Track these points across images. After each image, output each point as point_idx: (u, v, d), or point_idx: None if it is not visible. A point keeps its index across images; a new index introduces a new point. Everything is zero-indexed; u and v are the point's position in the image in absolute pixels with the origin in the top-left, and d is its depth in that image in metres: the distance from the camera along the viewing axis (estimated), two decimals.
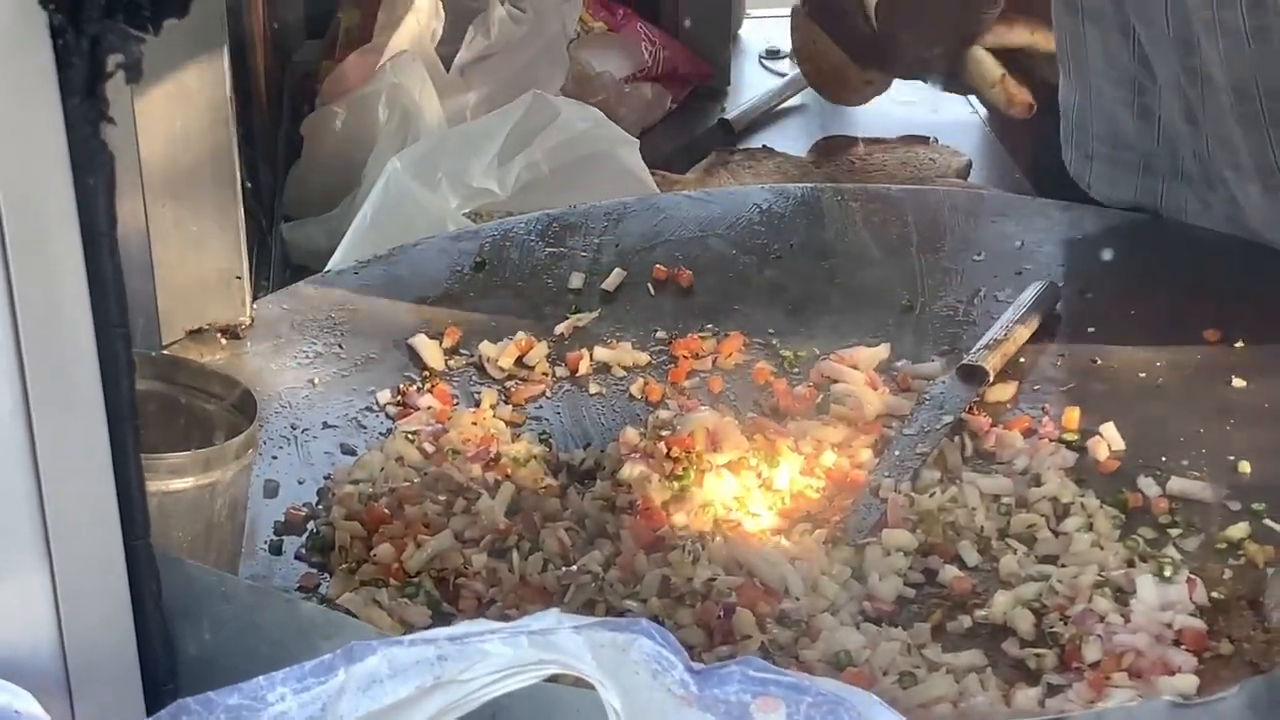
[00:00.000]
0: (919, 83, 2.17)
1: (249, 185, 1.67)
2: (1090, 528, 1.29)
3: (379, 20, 2.11)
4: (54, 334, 0.74)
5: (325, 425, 1.42)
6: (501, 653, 0.70)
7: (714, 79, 2.43)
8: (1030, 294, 1.54)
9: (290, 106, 2.17)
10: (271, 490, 1.34)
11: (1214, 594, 1.22)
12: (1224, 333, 1.50)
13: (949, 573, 1.25)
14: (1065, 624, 1.19)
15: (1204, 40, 1.53)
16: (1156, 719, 0.85)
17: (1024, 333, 1.50)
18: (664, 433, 1.37)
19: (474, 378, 1.49)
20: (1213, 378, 1.46)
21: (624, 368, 1.49)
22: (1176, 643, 1.18)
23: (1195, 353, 1.50)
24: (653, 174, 1.95)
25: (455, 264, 1.63)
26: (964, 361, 1.46)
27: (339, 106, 2.04)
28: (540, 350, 1.50)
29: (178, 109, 1.40)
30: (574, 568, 1.24)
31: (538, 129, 1.91)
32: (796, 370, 1.49)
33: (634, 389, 1.47)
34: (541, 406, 1.45)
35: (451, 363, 1.50)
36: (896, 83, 2.20)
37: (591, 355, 1.50)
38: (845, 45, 2.04)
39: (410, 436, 1.39)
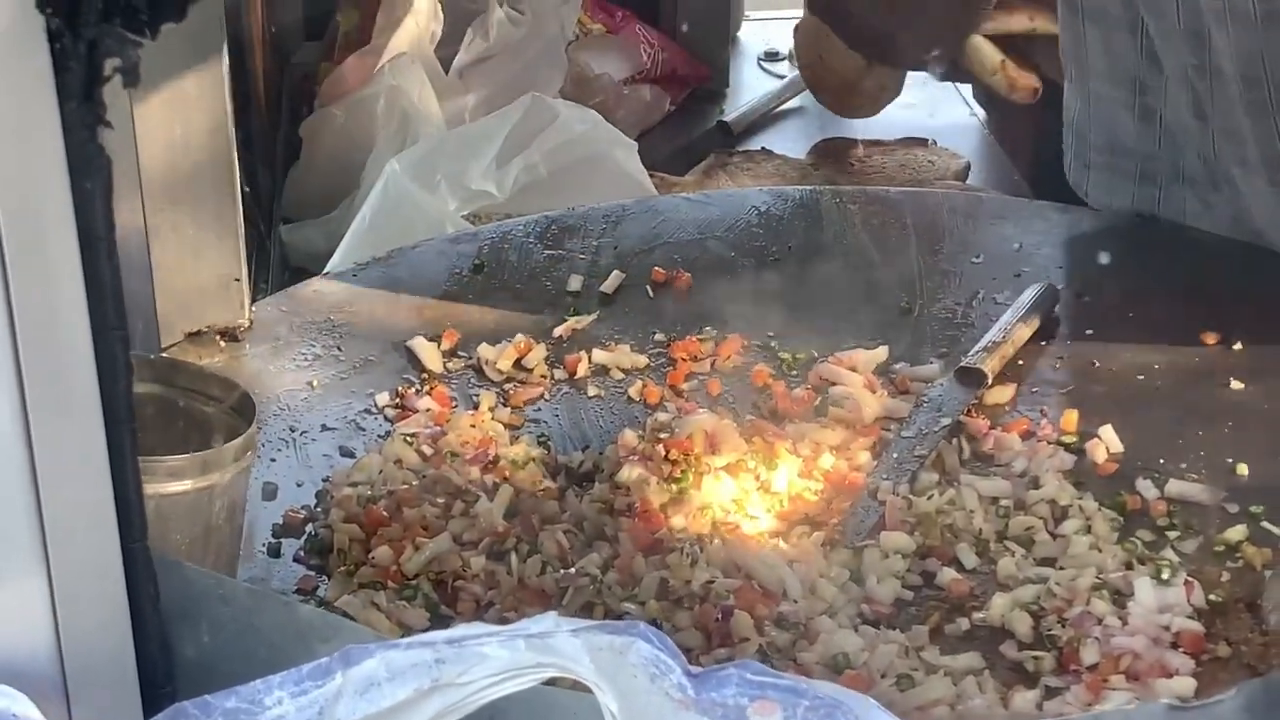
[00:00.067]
0: (923, 74, 2.18)
1: (248, 188, 1.67)
2: (1088, 530, 1.29)
3: (378, 22, 2.11)
4: (52, 337, 0.74)
5: (324, 428, 1.42)
6: (499, 656, 0.70)
7: (713, 81, 2.44)
8: (1029, 296, 1.54)
9: (289, 108, 2.17)
10: (270, 493, 1.34)
11: (1212, 596, 1.22)
12: (1222, 335, 1.50)
13: (947, 575, 1.25)
14: (1063, 626, 1.20)
15: (1214, 30, 1.54)
16: None
17: (1022, 335, 1.50)
18: (662, 435, 1.37)
19: (472, 380, 1.49)
20: (1211, 380, 1.46)
21: (622, 370, 1.49)
22: (1174, 645, 1.18)
23: (1193, 355, 1.50)
24: (651, 176, 1.95)
25: (454, 266, 1.63)
26: (962, 364, 1.46)
27: (338, 108, 2.04)
28: (539, 353, 1.50)
29: (177, 112, 1.40)
30: (572, 570, 1.24)
31: (536, 131, 1.91)
32: (795, 373, 1.49)
33: (632, 391, 1.47)
34: (540, 409, 1.45)
35: (450, 365, 1.50)
36: None
37: (590, 357, 1.50)
38: (850, 38, 2.04)
39: (409, 439, 1.39)
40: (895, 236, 1.68)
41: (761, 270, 1.63)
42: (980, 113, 2.34)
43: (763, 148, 2.21)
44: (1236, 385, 1.45)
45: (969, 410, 1.42)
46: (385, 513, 1.30)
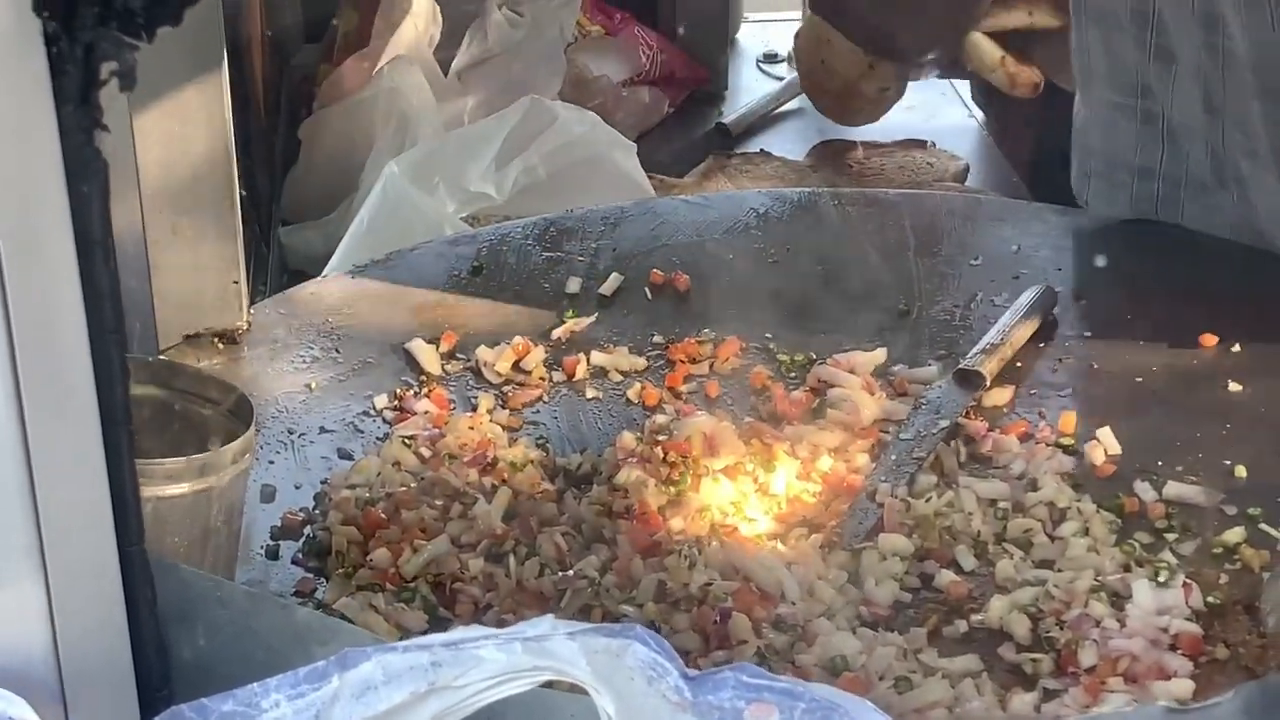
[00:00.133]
0: (922, 76, 2.18)
1: (246, 190, 1.67)
2: (1086, 532, 1.29)
3: (376, 24, 2.11)
4: (48, 340, 0.74)
5: (322, 430, 1.42)
6: (496, 659, 0.70)
7: (711, 83, 2.44)
8: (1027, 298, 1.54)
9: (288, 110, 2.18)
10: (268, 495, 1.34)
11: (1210, 598, 1.22)
12: (1220, 337, 1.50)
13: (945, 577, 1.25)
14: (1061, 629, 1.20)
15: (1229, 14, 1.54)
16: None
17: (1021, 337, 1.50)
18: (661, 437, 1.38)
19: (471, 382, 1.49)
20: (1209, 382, 1.46)
21: (621, 372, 1.50)
22: (1172, 647, 1.18)
23: (1192, 357, 1.50)
24: (650, 178, 1.96)
25: (452, 268, 1.63)
26: (961, 366, 1.46)
27: (336, 111, 2.04)
28: (537, 355, 1.50)
29: (176, 114, 1.40)
30: (570, 573, 1.24)
31: (535, 133, 1.91)
32: (793, 375, 1.49)
33: (631, 393, 1.47)
34: (538, 411, 1.45)
35: (448, 367, 1.50)
36: None
37: (588, 360, 1.50)
38: (854, 33, 2.04)
39: (407, 441, 1.39)
40: (894, 238, 1.68)
41: (760, 272, 1.63)
42: (979, 114, 2.34)
43: (761, 150, 2.21)
44: (1235, 387, 1.45)
45: (967, 412, 1.42)
46: (383, 515, 1.30)
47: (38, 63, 0.70)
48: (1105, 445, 1.38)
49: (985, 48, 2.00)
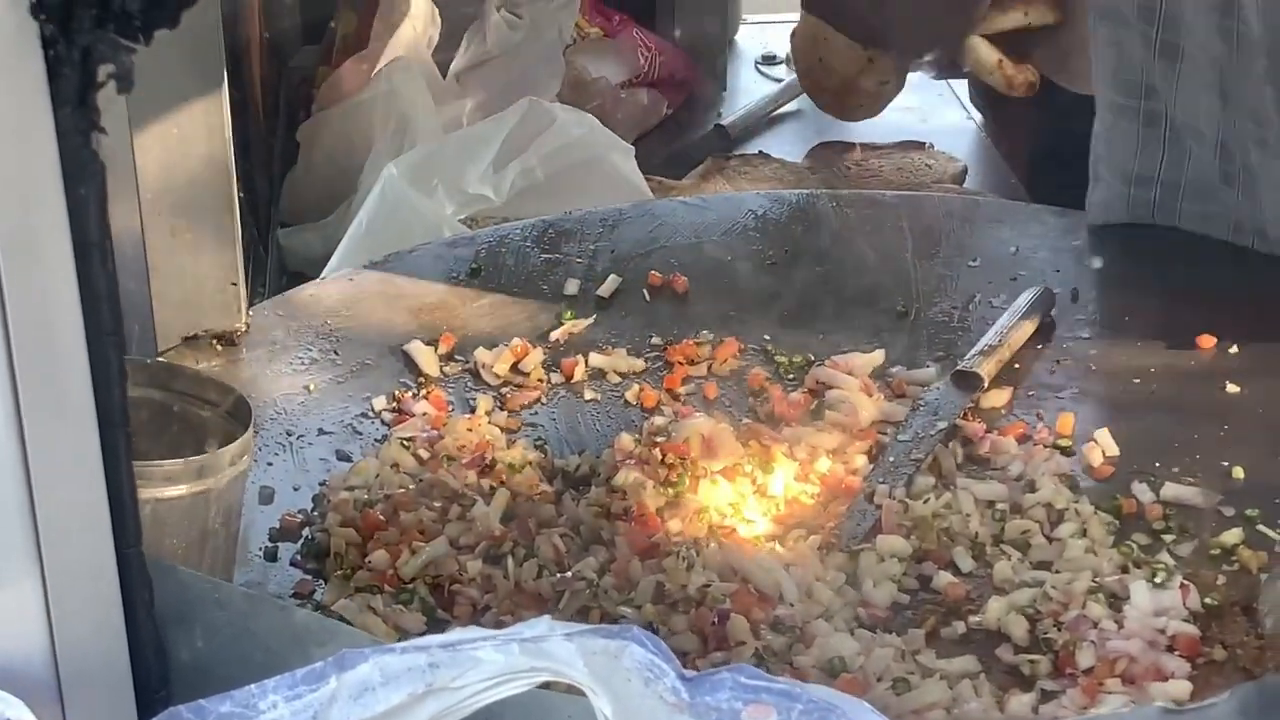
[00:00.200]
0: (920, 75, 2.18)
1: (245, 192, 1.67)
2: (1084, 534, 1.29)
3: (375, 26, 2.11)
4: (46, 341, 0.74)
5: (320, 431, 1.42)
6: (493, 660, 0.70)
7: (710, 85, 2.43)
8: (1025, 300, 1.54)
9: (286, 113, 2.17)
10: (266, 497, 1.35)
11: (1207, 600, 1.22)
12: (1218, 338, 1.50)
13: (943, 579, 1.25)
14: (1059, 630, 1.20)
15: None
16: None
17: (1019, 338, 1.50)
18: (659, 439, 1.37)
19: (469, 384, 1.49)
20: (1207, 383, 1.46)
21: (619, 374, 1.50)
22: (1170, 648, 1.18)
23: (1189, 358, 1.50)
24: (648, 180, 1.96)
25: (451, 270, 1.64)
26: (959, 367, 1.46)
27: (335, 113, 2.04)
28: (535, 356, 1.50)
29: (175, 116, 1.40)
30: (569, 574, 1.24)
31: (533, 135, 1.91)
32: (791, 376, 1.49)
33: (629, 395, 1.47)
34: (537, 413, 1.45)
35: (447, 369, 1.50)
36: None
37: (587, 361, 1.50)
38: (851, 28, 2.04)
39: (405, 443, 1.39)
40: (892, 240, 1.68)
41: (758, 274, 1.63)
42: (977, 116, 2.34)
43: (760, 151, 2.21)
44: (1232, 388, 1.45)
45: (965, 414, 1.42)
46: (382, 517, 1.30)
47: (35, 65, 0.71)
48: (1103, 446, 1.39)
49: (983, 51, 2.00)
